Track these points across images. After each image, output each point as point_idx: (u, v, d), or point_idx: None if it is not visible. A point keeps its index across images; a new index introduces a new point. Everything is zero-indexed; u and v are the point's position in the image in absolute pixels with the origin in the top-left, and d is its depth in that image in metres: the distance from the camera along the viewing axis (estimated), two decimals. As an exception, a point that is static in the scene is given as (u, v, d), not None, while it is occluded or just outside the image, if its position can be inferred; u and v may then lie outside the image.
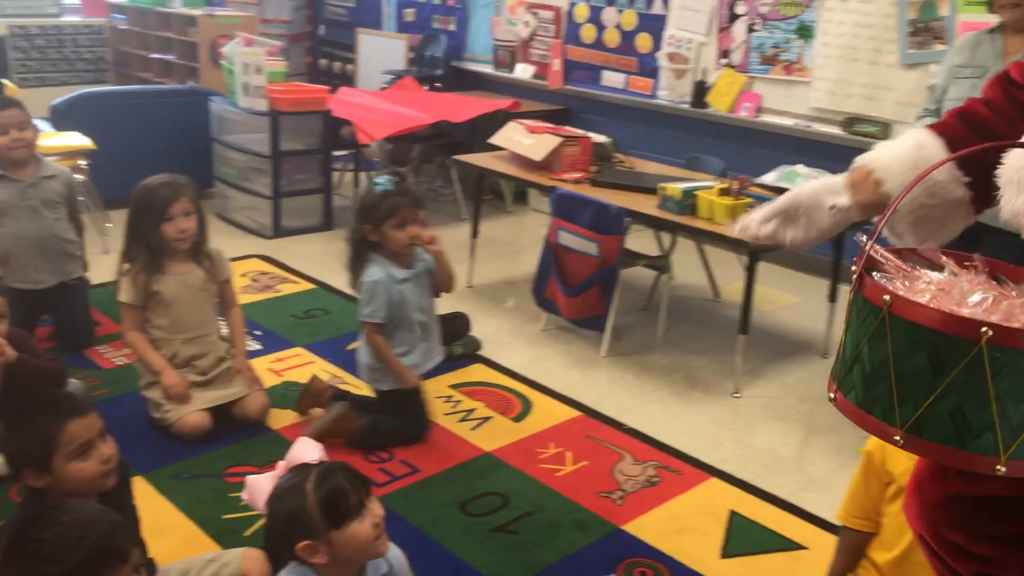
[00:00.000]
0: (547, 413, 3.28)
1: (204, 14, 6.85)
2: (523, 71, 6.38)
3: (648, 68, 5.62)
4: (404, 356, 2.99)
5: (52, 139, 4.78)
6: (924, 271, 1.18)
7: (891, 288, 1.08)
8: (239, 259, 4.73)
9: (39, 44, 7.33)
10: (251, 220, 5.26)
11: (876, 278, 1.12)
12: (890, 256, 1.17)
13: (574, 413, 3.30)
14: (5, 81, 4.78)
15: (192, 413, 2.93)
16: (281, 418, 3.13)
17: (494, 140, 4.48)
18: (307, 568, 1.72)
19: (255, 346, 3.69)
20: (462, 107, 5.57)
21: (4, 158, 3.40)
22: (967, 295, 1.08)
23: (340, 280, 4.40)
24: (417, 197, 2.95)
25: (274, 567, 1.84)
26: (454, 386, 3.43)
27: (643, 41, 5.62)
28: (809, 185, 1.41)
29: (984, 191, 1.29)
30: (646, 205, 3.68)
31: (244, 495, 1.83)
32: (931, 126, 1.41)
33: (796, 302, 4.60)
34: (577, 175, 4.09)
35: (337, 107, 5.24)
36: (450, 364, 3.54)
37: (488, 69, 6.64)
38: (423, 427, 3.06)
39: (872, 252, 1.14)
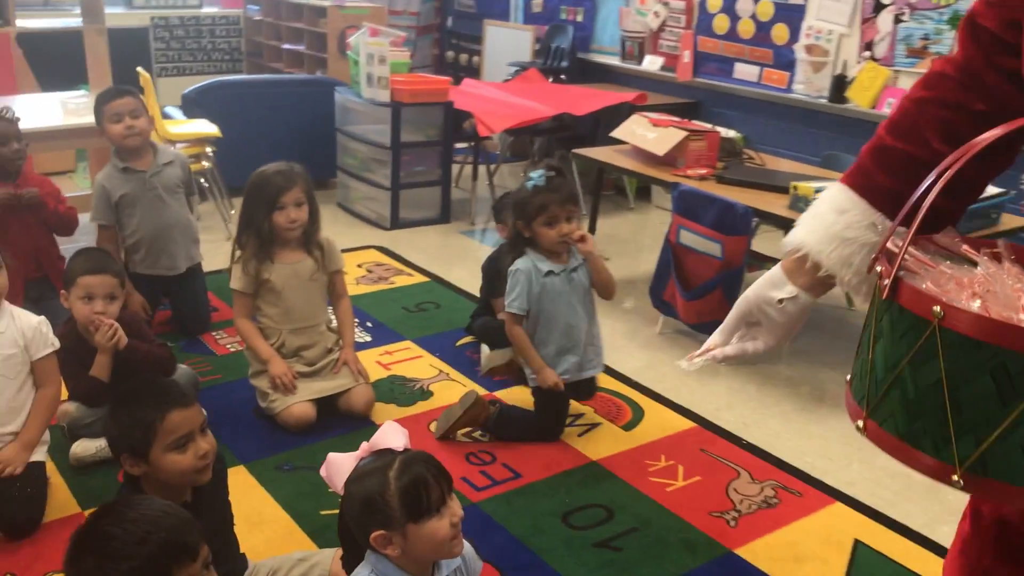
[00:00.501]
0: (660, 422, 3.12)
1: (334, 5, 6.93)
2: (651, 63, 6.18)
3: (784, 60, 5.33)
4: (548, 355, 2.89)
5: (181, 126, 4.90)
6: (948, 264, 0.98)
7: (932, 292, 0.88)
8: (356, 249, 4.74)
9: (178, 35, 7.59)
10: (370, 211, 5.27)
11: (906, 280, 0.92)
12: (915, 252, 0.97)
13: (689, 424, 3.12)
14: (140, 70, 4.91)
15: (297, 404, 2.91)
16: (385, 413, 3.08)
17: (616, 133, 4.32)
18: (383, 558, 1.63)
19: (365, 338, 3.66)
20: (585, 99, 5.43)
21: (120, 146, 3.46)
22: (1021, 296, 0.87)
23: (454, 273, 4.37)
24: (570, 193, 2.81)
25: (344, 549, 1.77)
26: (563, 388, 3.30)
27: (779, 32, 5.33)
28: (751, 287, 1.28)
29: (934, 223, 1.05)
30: (776, 205, 3.46)
31: (322, 471, 1.77)
32: (846, 175, 1.22)
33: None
34: (702, 171, 3.89)
35: (459, 99, 5.18)
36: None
37: (615, 61, 6.46)
38: (556, 430, 2.95)
39: (890, 245, 0.94)
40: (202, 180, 4.78)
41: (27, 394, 2.47)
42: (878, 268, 0.97)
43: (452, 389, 3.26)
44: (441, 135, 5.19)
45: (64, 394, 2.73)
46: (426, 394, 3.23)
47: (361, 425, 2.99)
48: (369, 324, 3.80)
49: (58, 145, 3.42)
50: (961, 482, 0.86)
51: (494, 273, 3.47)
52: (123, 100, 3.42)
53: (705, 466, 2.86)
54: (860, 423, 0.96)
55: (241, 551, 2.18)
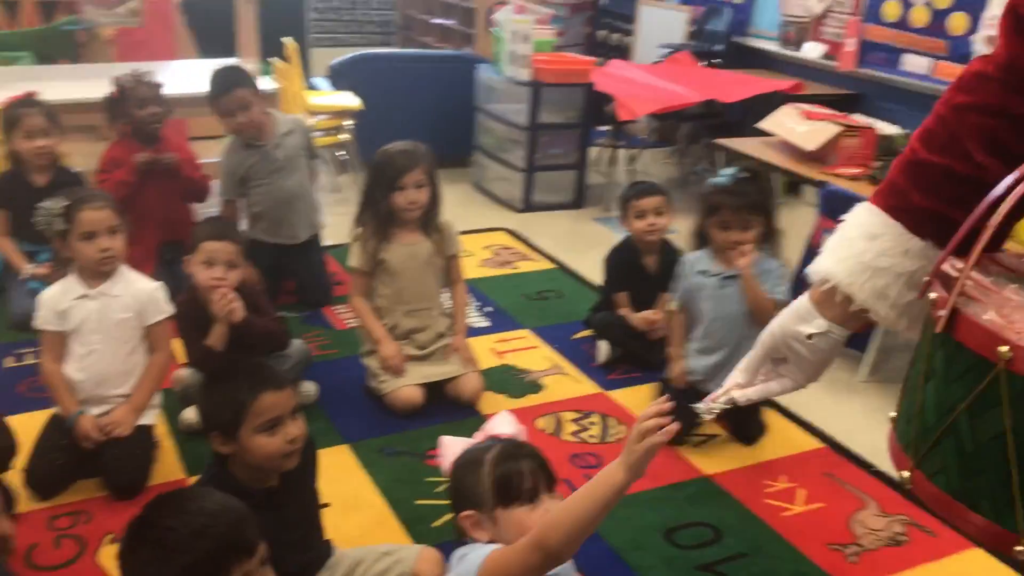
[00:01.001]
0: (784, 440, 2.90)
1: (486, -20, 6.87)
2: (811, 50, 5.82)
3: (960, 52, 4.89)
4: (689, 351, 2.83)
5: (324, 98, 4.95)
6: (1015, 289, 0.79)
7: (996, 326, 0.69)
8: (485, 231, 4.68)
9: (334, 6, 7.73)
10: (503, 192, 5.19)
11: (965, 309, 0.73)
12: (976, 276, 0.78)
13: (816, 444, 2.89)
14: (286, 40, 4.99)
15: (405, 387, 2.87)
16: (494, 403, 2.99)
17: (763, 124, 4.07)
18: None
19: (482, 323, 3.59)
20: (736, 86, 5.16)
21: (237, 135, 3.48)
22: None
23: (582, 262, 4.23)
24: (751, 202, 2.66)
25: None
26: (682, 393, 3.13)
27: (957, 22, 4.90)
28: (778, 319, 1.14)
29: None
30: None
31: (438, 452, 1.78)
32: (876, 194, 1.08)
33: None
34: (855, 170, 3.60)
35: (602, 80, 5.02)
36: (681, 368, 3.24)
37: (773, 46, 6.13)
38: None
39: (947, 267, 0.76)
40: (341, 152, 4.83)
41: (139, 358, 2.52)
42: (931, 295, 0.80)
43: (563, 384, 3.15)
44: (580, 117, 5.05)
45: (182, 359, 2.79)
46: (537, 387, 3.13)
47: (468, 414, 2.92)
48: (488, 309, 3.73)
49: (203, 112, 3.50)
50: None
51: (616, 267, 3.33)
52: (232, 95, 3.36)
53: (829, 492, 2.63)
54: (906, 474, 0.80)
55: (328, 537, 2.15)
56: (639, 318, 3.21)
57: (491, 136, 5.29)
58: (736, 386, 1.20)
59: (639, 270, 3.29)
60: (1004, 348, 0.69)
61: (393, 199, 2.86)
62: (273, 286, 3.64)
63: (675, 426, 1.37)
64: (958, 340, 0.74)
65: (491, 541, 1.56)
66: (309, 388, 2.93)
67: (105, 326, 2.46)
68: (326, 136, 4.90)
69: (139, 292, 2.51)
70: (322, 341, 3.37)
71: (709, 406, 1.23)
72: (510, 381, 3.15)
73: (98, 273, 2.47)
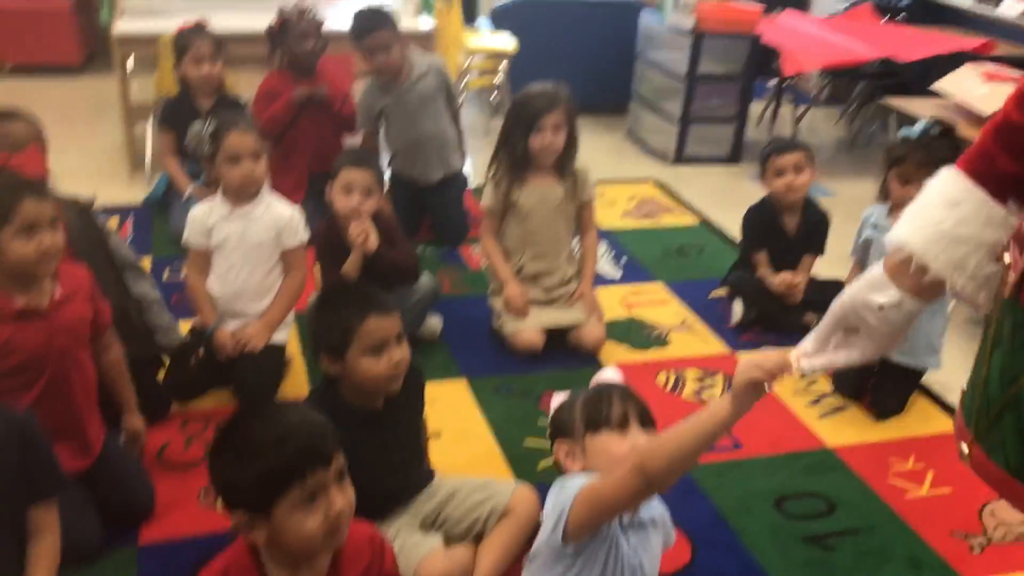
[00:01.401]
0: (921, 418, 2.73)
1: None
2: (1010, 8, 5.33)
3: None
4: None
5: (482, 39, 4.97)
6: None
7: None
8: (632, 181, 4.60)
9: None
10: (656, 143, 5.08)
11: None
12: None
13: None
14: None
15: (527, 330, 2.88)
16: (615, 353, 2.97)
17: (938, 85, 3.79)
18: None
19: (615, 274, 3.55)
20: (918, 44, 4.81)
21: (375, 76, 3.53)
22: None
23: (729, 219, 4.09)
24: (940, 158, 2.44)
25: None
26: (815, 361, 2.99)
27: None
28: (851, 288, 1.08)
29: None
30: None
31: (553, 400, 1.79)
32: (961, 159, 1.02)
33: None
34: (1035, 139, 3.29)
35: (770, 32, 4.80)
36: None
37: (967, 2, 5.66)
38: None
39: None
40: (494, 95, 4.85)
41: (275, 279, 2.64)
42: (1006, 258, 0.73)
43: (691, 341, 3.08)
44: (743, 69, 4.85)
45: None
46: (663, 342, 3.07)
47: (587, 363, 2.90)
48: (624, 260, 3.68)
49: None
50: None
51: (754, 226, 3.20)
52: (374, 36, 3.40)
53: (961, 478, 2.46)
54: (965, 447, 0.74)
55: (434, 466, 2.20)
56: (778, 280, 3.09)
57: (649, 85, 5.17)
58: (803, 354, 1.17)
59: (778, 230, 3.15)
60: None
61: (530, 140, 2.84)
62: (413, 221, 3.73)
63: (775, 365, 1.28)
64: None
65: (581, 471, 1.56)
66: (434, 322, 3.00)
67: (245, 246, 2.58)
68: (480, 77, 4.93)
69: (278, 216, 2.62)
70: (455, 278, 3.43)
71: (799, 365, 1.20)
72: (635, 334, 3.11)
73: (241, 195, 2.59)
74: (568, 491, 1.53)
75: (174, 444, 2.40)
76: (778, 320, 3.12)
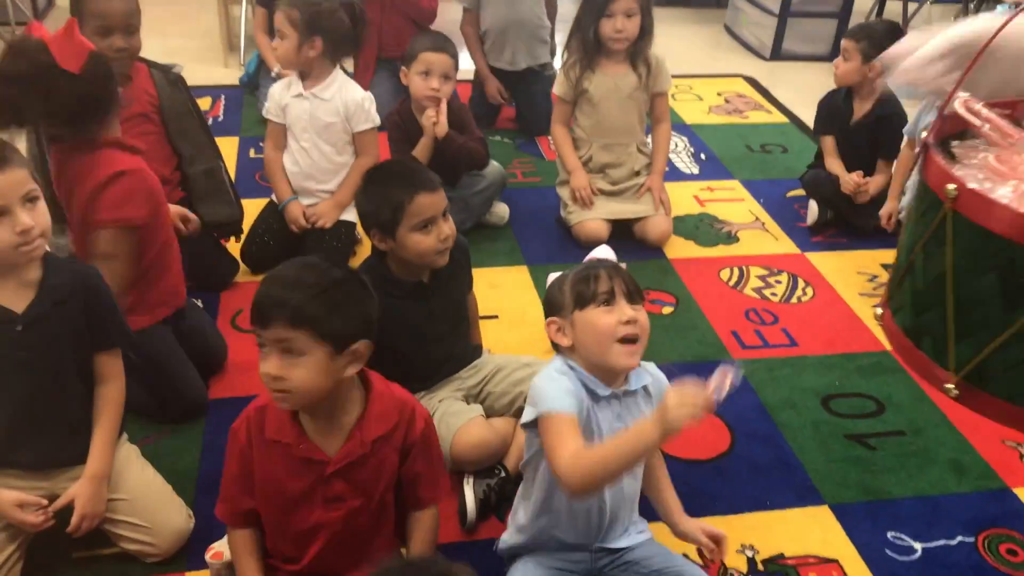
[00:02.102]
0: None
1: None
2: None
3: None
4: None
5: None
6: None
7: (960, 172, 0.58)
8: (723, 76, 4.48)
9: None
10: (753, 37, 4.91)
11: (959, 149, 0.62)
12: (992, 115, 0.66)
13: (1025, 337, 2.63)
14: None
15: (592, 220, 2.90)
16: (680, 248, 2.97)
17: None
18: (575, 366, 1.60)
19: (692, 169, 3.51)
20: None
21: None
22: None
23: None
24: None
25: None
26: (886, 265, 2.90)
27: None
28: (982, 17, 0.91)
29: None
30: None
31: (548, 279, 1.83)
32: None
33: None
34: None
35: (883, -81, 4.52)
36: (892, 239, 3.01)
37: None
38: None
39: (962, 108, 0.65)
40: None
41: (346, 160, 2.72)
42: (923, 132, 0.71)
43: (761, 240, 3.05)
44: (850, -39, 4.61)
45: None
46: (732, 239, 3.05)
47: (652, 255, 2.92)
48: (703, 156, 3.63)
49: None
50: (956, 391, 0.65)
51: (824, 107, 3.17)
52: None
53: (1022, 389, 2.41)
54: (879, 311, 0.76)
55: (488, 346, 2.28)
56: (847, 180, 3.00)
57: (750, -24, 4.98)
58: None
59: (845, 115, 3.07)
60: (951, 187, 0.62)
61: (601, 26, 2.81)
62: (493, 110, 3.75)
63: (708, 403, 1.34)
64: (924, 178, 0.68)
65: (571, 347, 1.59)
66: (502, 210, 3.05)
67: (315, 126, 2.66)
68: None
69: (349, 100, 2.67)
70: (528, 168, 3.45)
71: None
72: (704, 229, 3.09)
73: (312, 75, 2.65)
74: (541, 394, 1.55)
75: (247, 311, 2.54)
76: (852, 220, 3.05)
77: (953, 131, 0.71)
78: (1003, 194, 0.62)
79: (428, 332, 2.00)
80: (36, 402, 1.69)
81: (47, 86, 1.83)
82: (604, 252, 1.72)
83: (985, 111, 0.71)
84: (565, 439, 1.49)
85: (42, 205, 1.60)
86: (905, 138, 2.86)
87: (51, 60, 1.84)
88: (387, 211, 1.90)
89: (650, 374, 1.65)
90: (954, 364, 0.61)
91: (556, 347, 1.63)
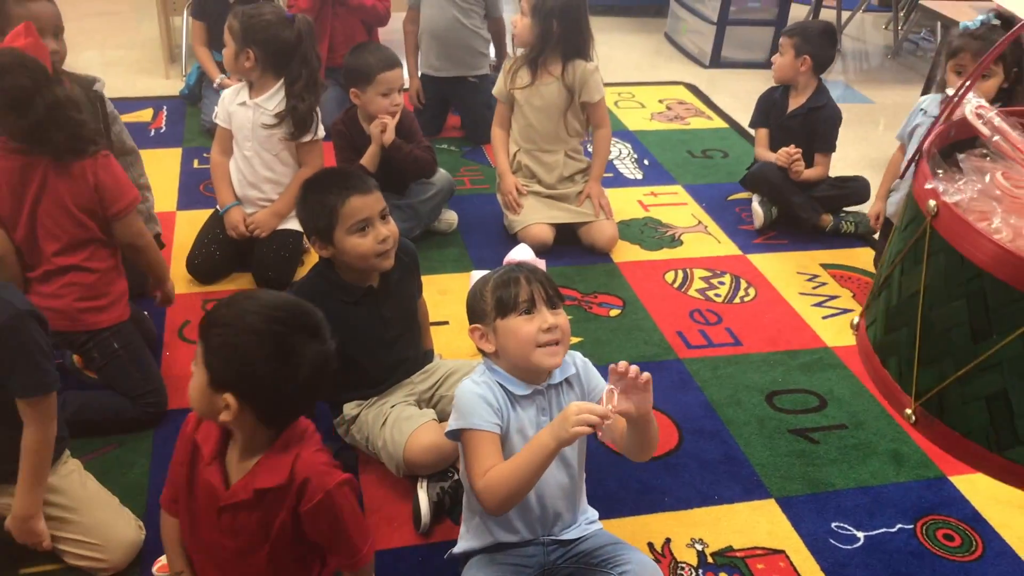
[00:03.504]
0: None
1: None
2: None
3: None
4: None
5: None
6: None
7: (956, 187, 0.62)
8: (664, 84, 4.56)
9: None
10: (693, 45, 5.00)
11: (967, 160, 0.66)
12: (1004, 126, 0.68)
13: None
14: None
15: (535, 225, 2.93)
16: (626, 252, 3.02)
17: (981, -13, 3.65)
18: (492, 364, 1.65)
19: (636, 175, 3.57)
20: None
21: None
22: None
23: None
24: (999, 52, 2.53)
25: None
26: (825, 265, 3.01)
27: None
28: None
29: None
30: None
31: (471, 277, 1.80)
32: None
33: None
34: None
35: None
36: (831, 240, 3.12)
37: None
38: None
39: (973, 114, 0.67)
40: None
41: (288, 170, 2.71)
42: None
43: (704, 242, 3.11)
44: (785, -30, 4.73)
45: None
46: (676, 242, 3.11)
47: (598, 259, 2.96)
48: (646, 162, 3.68)
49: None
50: (913, 417, 0.68)
51: (761, 100, 3.28)
52: None
53: (957, 381, 2.50)
54: (855, 320, 0.79)
55: (440, 351, 2.30)
56: (780, 153, 3.08)
57: (689, -14, 5.07)
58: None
59: (780, 108, 3.19)
60: (932, 203, 0.65)
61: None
62: (437, 119, 3.77)
63: (601, 421, 1.43)
64: (912, 188, 0.71)
65: (495, 353, 1.63)
66: (451, 217, 3.07)
67: (256, 135, 2.65)
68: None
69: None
70: (475, 176, 3.48)
71: None
72: (648, 234, 3.15)
73: (255, 85, 2.64)
74: (462, 407, 1.60)
75: (195, 322, 2.52)
76: (794, 213, 3.12)
77: (963, 138, 0.72)
78: (998, 219, 0.63)
79: (379, 337, 2.01)
80: None
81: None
82: (523, 252, 1.73)
83: (997, 120, 0.71)
84: (480, 458, 1.56)
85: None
86: (898, 143, 2.94)
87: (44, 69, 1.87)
88: (323, 216, 1.91)
89: (574, 364, 1.69)
90: (916, 389, 0.63)
91: (481, 351, 1.66)
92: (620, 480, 2.07)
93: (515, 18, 2.89)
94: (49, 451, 1.69)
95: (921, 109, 2.77)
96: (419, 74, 3.75)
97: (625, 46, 5.14)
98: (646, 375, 1.48)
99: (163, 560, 1.70)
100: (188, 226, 2.92)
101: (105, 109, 2.45)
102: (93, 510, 1.77)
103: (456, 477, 1.98)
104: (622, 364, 1.47)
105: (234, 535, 1.44)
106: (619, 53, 4.95)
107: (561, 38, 2.85)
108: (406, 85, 3.14)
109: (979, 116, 0.79)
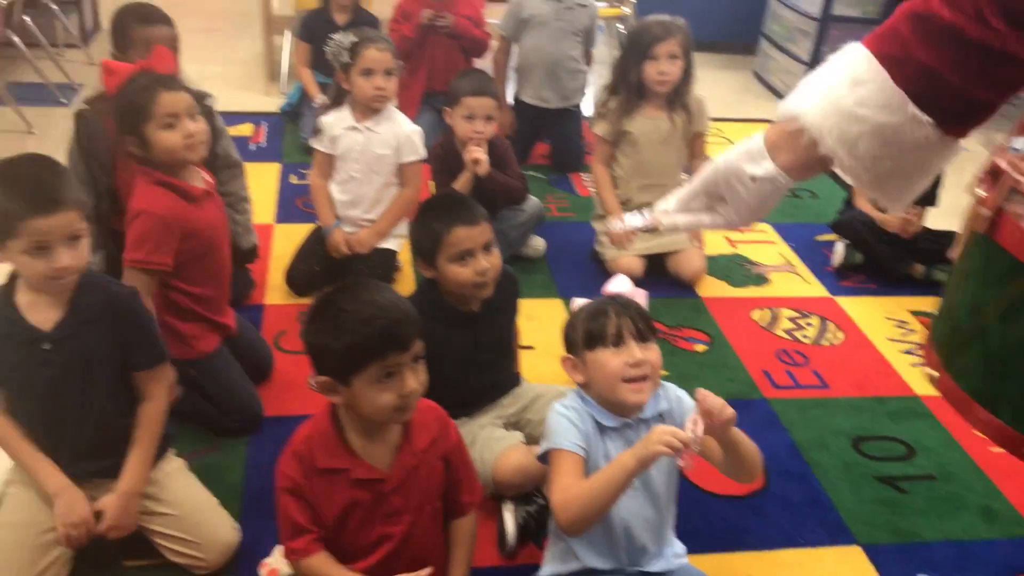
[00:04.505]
0: (1017, 377, 2.70)
1: None
2: None
3: None
4: None
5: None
6: None
7: None
8: (753, 121, 4.56)
9: None
10: (784, 85, 4.98)
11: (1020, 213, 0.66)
12: None
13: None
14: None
15: (627, 256, 2.95)
16: (713, 287, 3.02)
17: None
18: (587, 398, 1.67)
19: (723, 210, 3.57)
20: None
21: None
22: None
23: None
24: None
25: None
26: (915, 312, 2.97)
27: None
28: (727, 153, 1.04)
29: (965, 114, 0.92)
30: None
31: (573, 305, 1.84)
32: (872, 38, 0.96)
33: None
34: None
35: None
36: (922, 286, 3.08)
37: None
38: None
39: (1009, 166, 0.67)
40: (620, 25, 4.84)
41: (391, 191, 2.79)
42: (978, 191, 0.75)
43: (791, 282, 3.10)
44: (882, 12, 4.68)
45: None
46: (762, 280, 3.10)
47: (685, 292, 2.97)
48: (733, 198, 3.69)
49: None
50: None
51: None
52: None
53: (1051, 439, 2.45)
54: (935, 374, 0.79)
55: (524, 374, 2.33)
56: (887, 219, 3.04)
57: (780, 24, 5.06)
58: (663, 212, 1.17)
59: None
60: None
61: (644, 68, 2.88)
62: (526, 146, 3.83)
63: (683, 446, 1.44)
64: (999, 242, 0.72)
65: (584, 383, 1.65)
66: (538, 243, 3.11)
67: (366, 158, 2.73)
68: (608, 7, 4.92)
69: (400, 132, 2.74)
70: (562, 203, 3.52)
71: (628, 223, 1.23)
72: (735, 270, 3.15)
73: (369, 109, 2.73)
74: (550, 429, 1.64)
75: (290, 332, 2.60)
76: (884, 267, 3.10)
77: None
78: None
79: (474, 360, 2.06)
80: (65, 420, 1.72)
81: None
82: (621, 283, 1.74)
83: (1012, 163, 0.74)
84: (562, 475, 1.58)
85: (84, 242, 1.64)
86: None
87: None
88: (428, 240, 1.98)
89: (667, 400, 1.70)
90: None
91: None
92: (705, 517, 2.07)
93: (664, 65, 2.90)
94: (163, 422, 1.80)
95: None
96: (512, 104, 3.80)
97: (713, 82, 5.14)
98: (728, 414, 1.48)
99: (270, 563, 1.76)
100: (285, 239, 3.02)
101: (214, 123, 2.56)
102: (194, 509, 1.84)
103: (542, 502, 2.01)
104: (708, 398, 1.48)
105: (400, 516, 1.55)
106: (707, 89, 4.91)
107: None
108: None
109: (1013, 165, 0.80)
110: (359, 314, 1.43)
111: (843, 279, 3.13)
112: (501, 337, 2.15)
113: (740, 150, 1.07)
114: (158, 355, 1.80)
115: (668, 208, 1.18)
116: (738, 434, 1.56)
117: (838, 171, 1.01)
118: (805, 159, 1.01)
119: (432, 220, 1.98)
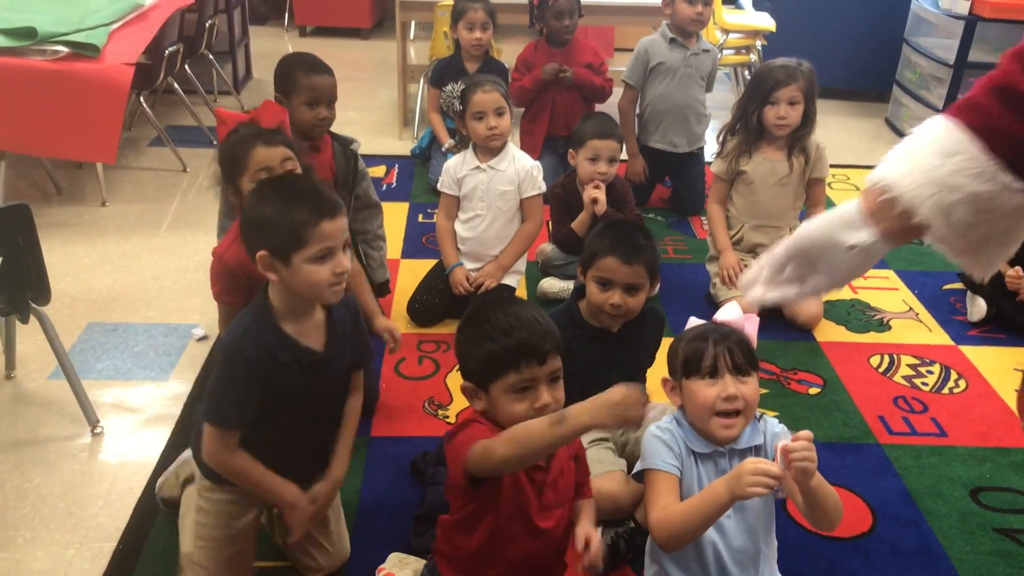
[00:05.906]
0: None
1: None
2: None
3: None
4: None
5: (740, 16, 4.99)
6: None
7: None
8: (863, 168, 4.48)
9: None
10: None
11: None
12: None
13: None
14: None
15: (740, 298, 2.95)
16: (830, 331, 2.99)
17: None
18: (683, 421, 1.70)
19: (846, 256, 3.52)
20: None
21: (678, 26, 3.68)
22: None
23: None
24: None
25: None
26: (1047, 363, 2.86)
27: None
28: (818, 221, 1.06)
29: None
30: None
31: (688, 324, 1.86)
32: (957, 111, 1.00)
33: None
34: None
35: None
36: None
37: None
38: None
39: None
40: (747, 72, 4.86)
41: (514, 227, 2.90)
42: None
43: (913, 330, 3.03)
44: None
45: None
46: (884, 327, 3.05)
47: (800, 336, 2.95)
48: (856, 244, 3.63)
49: (630, 22, 3.80)
50: None
51: None
52: None
53: None
54: None
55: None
56: (1013, 272, 2.95)
57: (914, 72, 4.97)
58: (753, 281, 1.19)
59: None
60: None
61: (764, 112, 2.92)
62: (649, 189, 3.89)
63: (775, 482, 1.45)
64: None
65: (681, 407, 1.69)
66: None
67: (490, 196, 2.87)
68: (735, 55, 4.96)
69: (520, 168, 2.87)
70: (679, 246, 3.56)
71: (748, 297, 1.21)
72: (855, 315, 3.10)
73: (488, 149, 2.86)
74: (646, 451, 1.68)
75: (409, 360, 2.74)
76: (1010, 318, 2.99)
77: None
78: None
79: (600, 376, 2.11)
80: (323, 432, 1.81)
81: None
82: (731, 311, 1.75)
83: None
84: (658, 495, 1.62)
85: (349, 251, 1.73)
86: None
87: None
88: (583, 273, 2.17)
89: (764, 434, 1.70)
90: None
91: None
92: (808, 556, 2.05)
93: (784, 110, 2.92)
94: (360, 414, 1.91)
95: None
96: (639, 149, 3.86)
97: (843, 129, 5.10)
98: (802, 454, 1.48)
99: (387, 567, 1.85)
100: (409, 273, 3.17)
101: (357, 166, 2.74)
102: (339, 519, 1.94)
103: (633, 524, 2.04)
104: (794, 441, 1.49)
105: (551, 511, 1.58)
106: (836, 135, 4.91)
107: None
108: (623, 156, 3.29)
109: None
110: (500, 324, 1.52)
111: (969, 328, 3.04)
112: (633, 362, 2.23)
113: (833, 219, 1.10)
114: (372, 351, 1.90)
115: (760, 277, 1.20)
116: (818, 480, 1.56)
117: (928, 240, 1.04)
118: (899, 228, 1.04)
119: (590, 251, 2.15)
